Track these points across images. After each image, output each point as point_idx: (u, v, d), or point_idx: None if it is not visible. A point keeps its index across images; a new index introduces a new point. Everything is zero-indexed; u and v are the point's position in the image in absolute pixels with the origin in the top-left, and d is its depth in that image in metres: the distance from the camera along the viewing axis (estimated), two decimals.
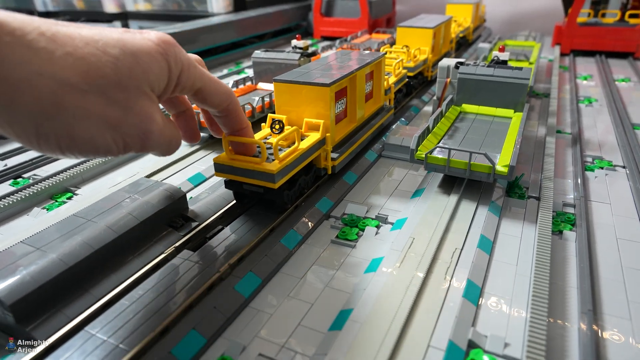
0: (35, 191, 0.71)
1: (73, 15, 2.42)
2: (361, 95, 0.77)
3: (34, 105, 0.31)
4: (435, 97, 1.00)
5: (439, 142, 0.73)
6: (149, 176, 0.78)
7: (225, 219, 0.63)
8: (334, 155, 0.68)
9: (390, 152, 0.85)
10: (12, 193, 0.71)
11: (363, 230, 0.61)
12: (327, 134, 0.66)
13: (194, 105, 0.59)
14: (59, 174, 0.77)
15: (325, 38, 2.11)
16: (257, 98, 0.96)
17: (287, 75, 0.68)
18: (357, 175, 0.76)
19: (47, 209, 0.69)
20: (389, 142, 0.86)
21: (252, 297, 0.50)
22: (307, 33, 2.25)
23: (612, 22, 1.67)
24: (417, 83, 1.20)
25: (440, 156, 0.65)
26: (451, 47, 1.50)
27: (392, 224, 0.63)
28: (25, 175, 0.80)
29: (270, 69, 1.05)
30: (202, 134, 0.92)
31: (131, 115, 0.36)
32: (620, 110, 1.08)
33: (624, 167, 0.80)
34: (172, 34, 1.48)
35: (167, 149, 0.44)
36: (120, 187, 0.67)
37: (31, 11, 2.54)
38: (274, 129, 0.62)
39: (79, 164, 0.80)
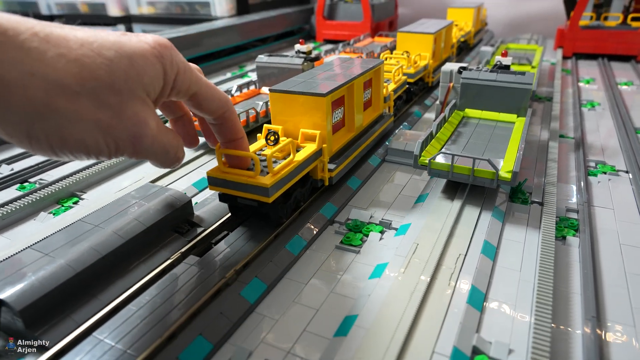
0: (41, 196, 0.72)
1: (77, 19, 2.43)
2: (359, 103, 0.76)
3: (25, 106, 0.31)
4: (438, 102, 1.01)
5: (442, 148, 0.74)
6: (153, 181, 0.78)
7: (231, 224, 0.63)
8: (331, 166, 0.67)
9: (394, 157, 0.86)
10: (19, 198, 0.71)
11: (367, 235, 0.62)
12: (324, 145, 0.65)
13: None
14: (65, 179, 0.77)
15: (327, 41, 2.12)
16: (261, 103, 0.96)
17: (283, 85, 0.67)
18: (360, 180, 0.76)
19: (54, 214, 0.70)
20: (392, 147, 0.86)
21: (258, 302, 0.50)
22: (309, 36, 2.25)
23: (615, 25, 1.67)
24: (417, 89, 1.19)
25: (443, 162, 0.66)
26: (452, 52, 1.49)
27: (396, 229, 0.63)
28: (31, 180, 0.81)
29: (274, 74, 1.06)
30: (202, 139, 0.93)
31: (123, 119, 0.36)
32: (623, 114, 1.08)
33: (627, 171, 0.80)
34: (176, 38, 1.50)
35: (163, 158, 0.43)
36: (125, 192, 0.68)
37: (36, 15, 2.55)
38: (268, 141, 0.60)
39: (84, 169, 0.81)
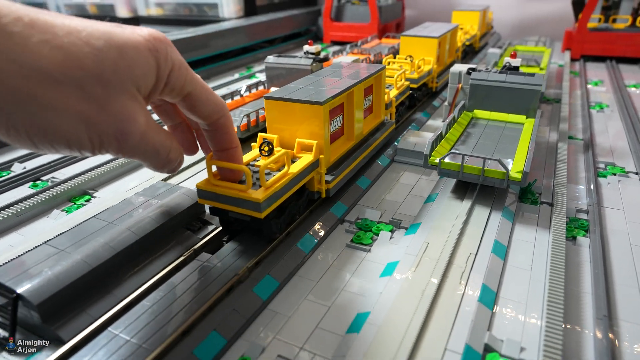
0: (54, 194, 0.72)
1: None
2: (359, 111, 0.73)
3: (3, 93, 0.29)
4: (446, 103, 1.01)
5: (451, 148, 0.74)
6: (165, 180, 0.79)
7: None
8: (329, 177, 0.64)
9: (403, 157, 0.86)
10: (32, 196, 0.72)
11: (377, 234, 0.62)
12: (321, 156, 0.62)
13: None
14: (77, 177, 0.78)
15: (334, 43, 2.13)
16: None
17: (279, 92, 0.65)
18: (370, 180, 0.77)
19: (67, 211, 0.70)
20: (401, 148, 0.87)
21: (270, 299, 0.50)
22: (316, 38, 2.26)
23: (623, 28, 1.67)
24: (420, 95, 1.15)
25: (453, 162, 0.66)
26: (457, 56, 1.46)
27: (406, 228, 0.64)
28: (43, 178, 0.82)
29: (283, 74, 1.06)
30: None
31: (109, 113, 0.34)
32: (632, 115, 1.08)
33: (636, 173, 0.80)
34: (184, 39, 1.51)
35: (154, 159, 0.40)
36: (137, 191, 0.69)
37: None
38: (262, 151, 0.57)
39: (96, 167, 0.82)
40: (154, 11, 2.26)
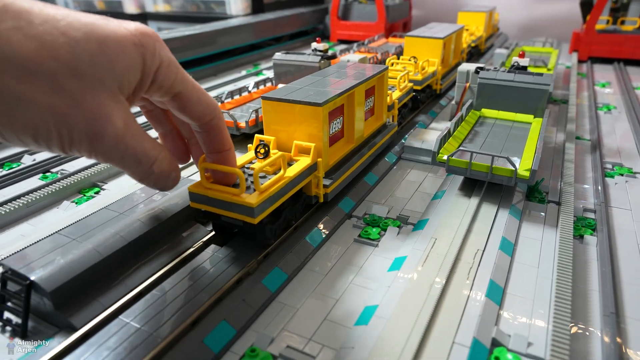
0: (64, 185, 0.73)
1: None
2: (360, 113, 0.70)
3: None
4: (454, 102, 1.01)
5: (459, 146, 0.74)
6: None
7: None
8: (327, 182, 0.62)
9: (410, 155, 0.86)
10: (42, 187, 0.73)
11: (385, 230, 0.63)
12: (319, 159, 0.59)
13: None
14: (86, 169, 0.79)
15: (341, 41, 2.13)
16: None
17: (277, 93, 0.62)
18: (377, 176, 0.77)
19: (76, 203, 0.71)
20: (408, 145, 0.87)
21: (279, 291, 0.51)
22: (323, 36, 2.26)
23: (632, 30, 1.66)
24: (424, 97, 1.12)
25: (461, 159, 0.66)
26: (462, 58, 1.43)
27: (413, 224, 0.64)
28: (53, 170, 0.82)
29: (291, 71, 1.07)
30: None
31: (83, 109, 0.32)
32: None
33: None
34: (192, 35, 1.52)
35: (135, 169, 0.38)
36: None
37: None
38: (258, 153, 0.55)
39: None
40: (161, 7, 2.27)
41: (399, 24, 2.15)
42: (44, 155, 0.88)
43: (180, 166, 0.47)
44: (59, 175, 0.79)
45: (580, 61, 1.70)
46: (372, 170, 0.78)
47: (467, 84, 0.98)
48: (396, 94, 0.90)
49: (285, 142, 0.62)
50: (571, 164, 0.80)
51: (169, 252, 0.54)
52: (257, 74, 1.55)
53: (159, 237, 0.55)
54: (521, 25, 2.25)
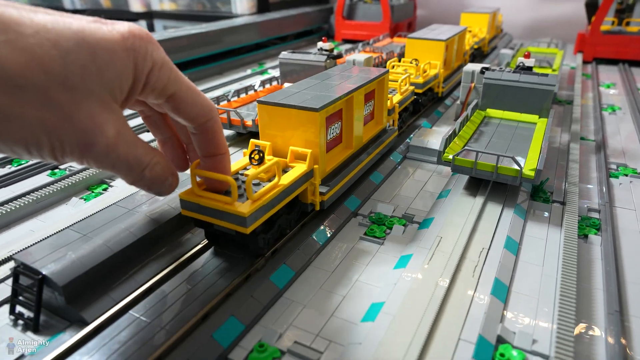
0: (72, 182, 0.74)
1: (100, 14, 2.48)
2: (359, 117, 0.69)
3: None
4: (459, 102, 1.02)
5: (465, 145, 0.74)
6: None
7: None
8: (323, 189, 0.60)
9: (415, 154, 0.87)
10: (51, 183, 0.74)
11: (390, 228, 0.63)
12: (315, 166, 0.58)
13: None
14: None
15: (346, 41, 2.13)
16: None
17: (273, 97, 0.60)
18: (383, 175, 0.78)
19: (85, 199, 0.72)
20: (413, 145, 0.87)
21: (286, 288, 0.52)
22: (328, 35, 2.27)
23: (637, 31, 1.66)
24: (426, 100, 1.10)
25: (467, 159, 0.67)
26: (465, 60, 1.41)
27: (418, 223, 0.65)
28: (61, 167, 0.83)
29: (296, 70, 1.07)
30: (230, 131, 0.95)
31: (74, 121, 0.31)
32: None
33: None
34: (197, 34, 1.53)
35: (128, 175, 0.38)
36: None
37: (59, 9, 2.60)
38: (252, 160, 0.54)
39: None
40: (167, 6, 2.28)
41: (403, 23, 2.15)
42: None
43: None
44: (67, 172, 0.80)
45: (585, 62, 1.70)
46: (378, 169, 0.78)
47: (473, 84, 0.98)
48: (397, 98, 0.89)
49: (282, 147, 0.60)
50: (576, 164, 0.81)
51: (178, 248, 0.55)
52: (262, 72, 1.56)
53: (169, 232, 0.56)
54: (526, 26, 2.25)
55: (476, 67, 0.97)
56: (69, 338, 0.43)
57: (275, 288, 0.50)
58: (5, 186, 0.75)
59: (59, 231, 0.52)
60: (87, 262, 0.47)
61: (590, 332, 0.46)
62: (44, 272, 0.45)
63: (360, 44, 1.58)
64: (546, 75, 0.84)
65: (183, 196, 0.50)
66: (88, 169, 0.79)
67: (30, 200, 0.68)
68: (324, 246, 0.59)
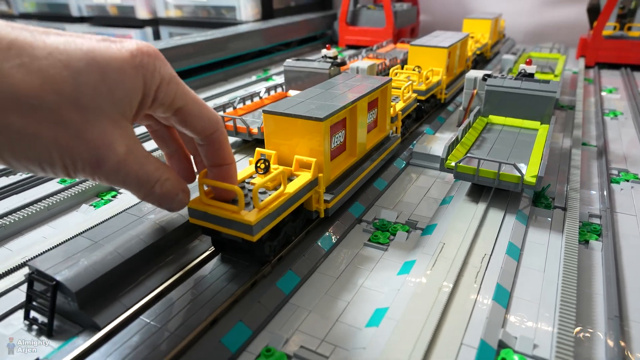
0: (83, 189, 0.75)
1: (106, 21, 2.51)
2: (363, 126, 0.70)
3: None
4: (461, 108, 1.03)
5: (467, 152, 0.76)
6: None
7: None
8: (328, 197, 0.61)
9: (418, 161, 0.88)
10: (61, 190, 0.76)
11: (394, 234, 0.64)
12: (320, 174, 0.59)
13: None
14: None
15: (349, 47, 2.15)
16: None
17: (278, 106, 0.62)
18: (386, 182, 0.79)
19: (95, 206, 0.73)
20: (417, 151, 0.89)
21: (292, 293, 0.53)
22: (332, 41, 2.29)
23: (638, 36, 1.67)
24: (428, 107, 1.11)
25: (469, 165, 0.68)
26: (467, 66, 1.42)
27: (422, 229, 0.66)
28: None
29: (301, 77, 1.09)
30: (236, 138, 0.96)
31: (85, 139, 0.33)
32: None
33: None
34: (203, 41, 1.55)
35: (138, 191, 0.39)
36: None
37: (67, 16, 2.64)
38: (258, 169, 0.55)
39: None
40: (173, 13, 2.31)
41: (406, 29, 2.17)
42: None
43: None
44: (77, 179, 0.82)
45: (587, 67, 1.71)
46: (382, 175, 0.79)
47: (475, 91, 0.99)
48: (400, 105, 0.89)
49: (287, 156, 0.61)
50: (577, 170, 0.82)
51: (186, 255, 0.56)
52: (266, 79, 1.58)
53: (177, 239, 0.57)
54: (529, 31, 2.26)
55: (478, 73, 0.98)
56: (82, 343, 0.44)
57: (281, 294, 0.52)
58: (17, 193, 0.76)
59: (71, 238, 0.54)
60: (99, 269, 0.49)
61: (591, 337, 0.47)
62: (57, 279, 0.46)
63: (363, 50, 1.60)
64: (547, 82, 0.85)
65: (191, 205, 0.51)
66: None
67: (42, 208, 0.70)
68: (329, 252, 0.60)
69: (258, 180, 0.52)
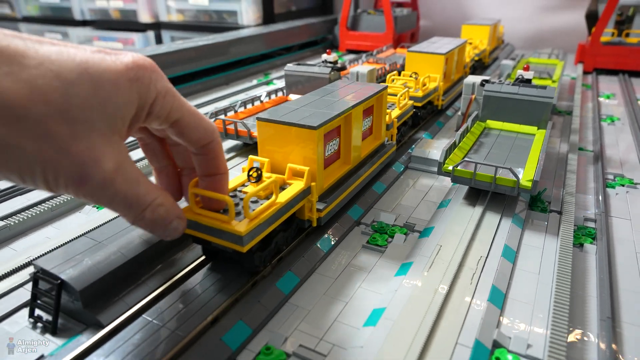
0: None
1: (109, 25, 2.53)
2: (357, 133, 0.69)
3: None
4: (459, 113, 1.04)
5: (465, 156, 0.77)
6: None
7: None
8: (320, 205, 0.60)
9: (417, 164, 0.89)
10: None
11: (392, 237, 0.65)
12: (313, 183, 0.58)
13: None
14: None
15: (350, 51, 2.17)
16: None
17: (272, 114, 0.61)
18: (385, 185, 0.80)
19: (97, 208, 0.74)
20: (415, 155, 0.90)
21: (292, 294, 0.54)
22: (332, 46, 2.31)
23: (636, 42, 1.68)
24: (425, 113, 1.10)
25: (466, 169, 0.69)
26: (465, 72, 1.42)
27: (419, 232, 0.67)
28: None
29: (301, 82, 1.10)
30: (235, 142, 0.97)
31: (71, 153, 0.31)
32: None
33: None
34: (205, 45, 1.56)
35: (125, 213, 0.37)
36: None
37: (69, 20, 2.66)
38: (250, 177, 0.55)
39: None
40: (175, 17, 2.32)
41: (406, 34, 2.18)
42: None
43: None
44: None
45: (585, 72, 1.72)
46: (380, 179, 0.81)
47: (473, 96, 1.01)
48: (395, 112, 0.89)
49: (280, 163, 0.60)
50: (573, 174, 0.83)
51: (187, 255, 0.58)
52: (267, 83, 1.59)
53: (181, 240, 0.58)
54: (527, 37, 2.28)
55: (476, 79, 0.99)
56: (86, 340, 0.45)
57: (281, 294, 0.53)
58: (21, 195, 0.77)
59: (75, 238, 0.55)
60: (102, 268, 0.50)
61: (583, 338, 0.48)
62: (62, 277, 0.47)
63: (363, 55, 1.61)
64: (544, 87, 0.86)
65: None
66: None
67: (46, 209, 0.71)
68: (327, 254, 0.61)
69: (250, 188, 0.52)
